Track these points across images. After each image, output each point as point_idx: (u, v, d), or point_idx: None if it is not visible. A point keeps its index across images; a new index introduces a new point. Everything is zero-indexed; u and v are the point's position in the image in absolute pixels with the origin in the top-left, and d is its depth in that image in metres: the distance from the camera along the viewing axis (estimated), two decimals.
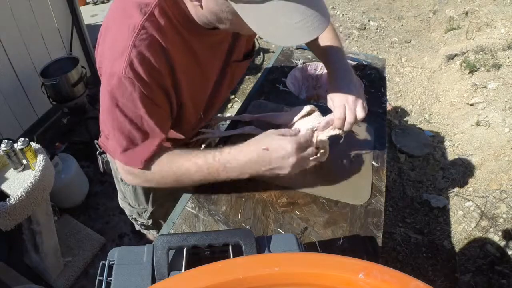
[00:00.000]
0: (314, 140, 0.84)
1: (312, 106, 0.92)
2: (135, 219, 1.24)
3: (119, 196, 1.22)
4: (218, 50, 0.85)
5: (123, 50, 0.66)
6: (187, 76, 0.78)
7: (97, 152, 1.10)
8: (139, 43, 0.66)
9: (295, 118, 0.93)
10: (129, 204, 1.19)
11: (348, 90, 0.84)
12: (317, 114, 0.91)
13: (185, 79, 0.78)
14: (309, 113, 0.92)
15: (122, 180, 1.11)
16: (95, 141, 1.09)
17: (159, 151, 0.79)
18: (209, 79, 0.88)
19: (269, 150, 0.75)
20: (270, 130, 0.81)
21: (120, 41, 0.67)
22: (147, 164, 0.78)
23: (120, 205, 1.24)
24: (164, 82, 0.73)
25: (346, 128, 0.83)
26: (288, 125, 0.95)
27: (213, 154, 0.78)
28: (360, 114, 0.83)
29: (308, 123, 0.90)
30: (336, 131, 0.85)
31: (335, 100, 0.84)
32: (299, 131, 0.82)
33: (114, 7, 0.73)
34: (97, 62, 0.76)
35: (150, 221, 1.21)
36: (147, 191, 1.12)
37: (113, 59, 0.68)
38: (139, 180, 0.83)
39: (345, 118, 0.82)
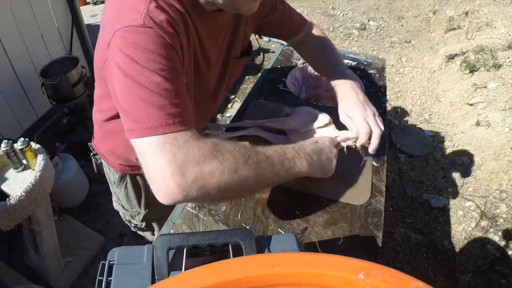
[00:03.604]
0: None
1: (329, 117, 0.92)
2: (129, 221, 1.23)
3: (113, 198, 1.22)
4: (218, 38, 0.82)
5: (138, 4, 0.59)
6: (194, 60, 0.74)
7: (91, 154, 1.08)
8: None
9: (310, 127, 0.93)
10: (122, 206, 1.18)
11: (363, 104, 0.86)
12: (333, 127, 0.92)
13: (193, 63, 0.74)
14: (326, 125, 0.92)
15: (114, 183, 1.09)
16: (89, 143, 1.08)
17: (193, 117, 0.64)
18: (211, 69, 0.85)
19: (319, 142, 0.79)
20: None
21: (132, 1, 0.61)
22: (191, 128, 0.59)
23: (114, 207, 1.24)
24: (182, 43, 0.65)
25: (373, 144, 0.83)
26: (299, 131, 0.95)
27: (284, 146, 0.72)
28: (382, 126, 0.84)
29: (323, 135, 0.91)
30: (348, 143, 0.87)
31: (355, 116, 0.84)
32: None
33: None
34: (95, 52, 0.68)
35: (144, 224, 1.20)
36: (139, 194, 1.10)
37: (124, 16, 0.59)
38: (208, 165, 0.56)
39: (370, 132, 0.82)
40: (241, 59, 0.95)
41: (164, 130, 0.56)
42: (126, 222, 1.26)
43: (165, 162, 0.54)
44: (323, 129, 0.92)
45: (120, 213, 1.24)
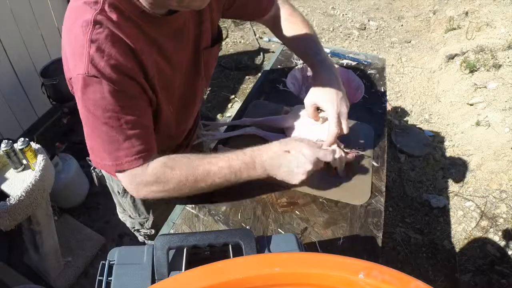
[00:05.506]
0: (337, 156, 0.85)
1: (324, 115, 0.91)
2: (138, 230, 1.21)
3: (118, 210, 1.20)
4: (182, 38, 0.80)
5: (81, 49, 0.63)
6: (157, 69, 0.74)
7: (91, 168, 1.07)
8: (96, 37, 0.63)
9: (306, 124, 0.92)
10: (129, 216, 1.16)
11: (340, 99, 0.85)
12: (327, 124, 0.90)
13: (156, 73, 0.74)
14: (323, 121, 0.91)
15: (119, 193, 1.08)
16: (87, 158, 1.07)
17: (152, 145, 0.74)
18: (179, 70, 0.82)
19: (290, 153, 0.77)
20: (294, 137, 0.84)
21: (76, 42, 0.64)
22: (146, 160, 0.72)
23: (120, 218, 1.22)
24: (133, 74, 0.68)
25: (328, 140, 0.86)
26: (296, 128, 0.95)
27: (236, 154, 0.77)
28: (346, 129, 0.85)
29: (317, 132, 0.90)
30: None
31: (328, 108, 0.84)
32: (321, 145, 0.84)
33: (66, 18, 0.70)
34: (66, 78, 0.72)
35: (153, 231, 1.18)
36: (146, 200, 1.08)
37: (75, 63, 0.65)
38: (155, 188, 0.76)
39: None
40: (214, 47, 0.92)
41: (114, 169, 0.73)
42: (135, 232, 1.24)
43: (124, 183, 0.77)
44: (319, 126, 0.92)
45: (128, 224, 1.21)
